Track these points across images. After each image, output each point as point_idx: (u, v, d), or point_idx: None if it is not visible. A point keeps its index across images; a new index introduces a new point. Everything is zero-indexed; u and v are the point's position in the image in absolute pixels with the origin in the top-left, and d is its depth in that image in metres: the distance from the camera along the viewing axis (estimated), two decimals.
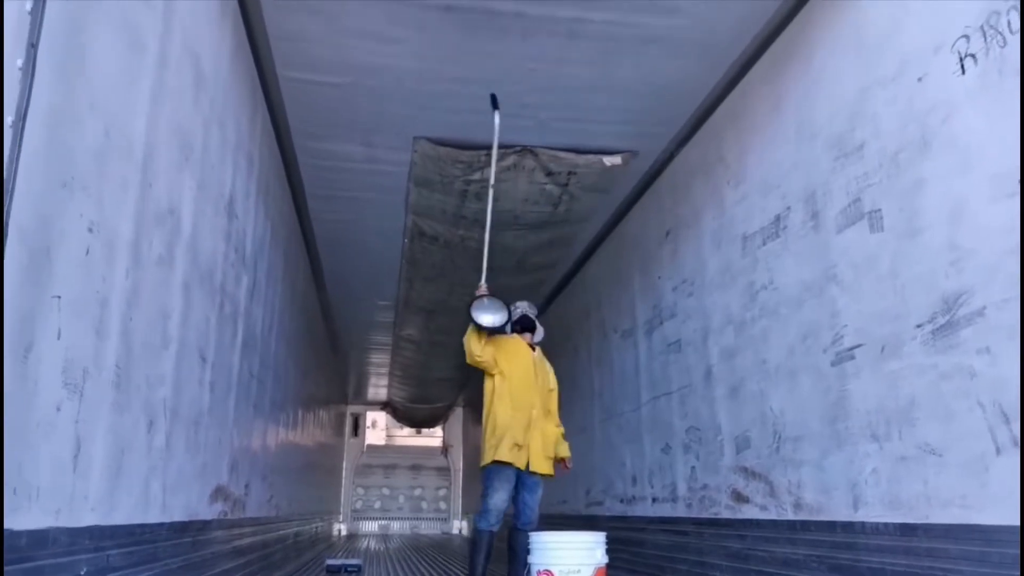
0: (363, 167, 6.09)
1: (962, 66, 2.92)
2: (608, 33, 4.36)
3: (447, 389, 16.47)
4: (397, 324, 11.30)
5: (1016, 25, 2.67)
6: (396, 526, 18.77)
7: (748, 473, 4.49)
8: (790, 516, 4.00)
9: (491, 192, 4.82)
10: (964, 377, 2.84)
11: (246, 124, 4.49)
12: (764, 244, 4.43)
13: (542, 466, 4.27)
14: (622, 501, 6.77)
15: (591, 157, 5.87)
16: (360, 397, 19.21)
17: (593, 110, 5.28)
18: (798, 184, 4.08)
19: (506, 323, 4.39)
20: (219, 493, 4.20)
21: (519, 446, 4.19)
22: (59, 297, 1.99)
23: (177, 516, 3.32)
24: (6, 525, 1.75)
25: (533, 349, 4.55)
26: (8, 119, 1.59)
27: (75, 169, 2.06)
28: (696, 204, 5.44)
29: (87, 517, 2.27)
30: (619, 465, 6.90)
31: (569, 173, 6.09)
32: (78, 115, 2.07)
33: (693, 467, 5.29)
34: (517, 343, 4.51)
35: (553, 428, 4.43)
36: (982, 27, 2.82)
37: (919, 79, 3.16)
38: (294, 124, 5.49)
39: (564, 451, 4.52)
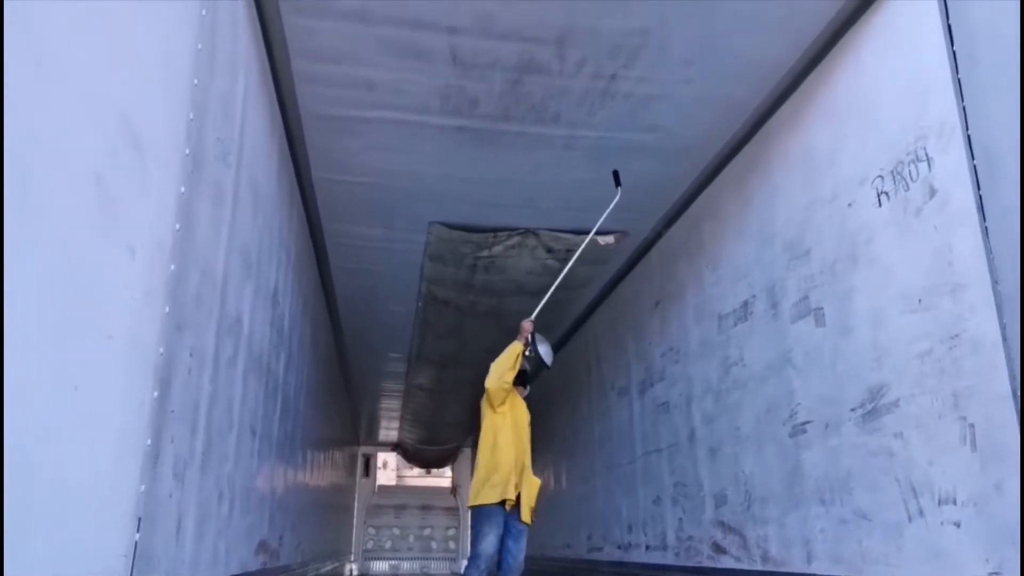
0: (383, 246, 6.81)
1: (879, 200, 3.59)
2: (598, 145, 5.09)
3: (457, 431, 17.03)
4: (409, 374, 11.96)
5: (916, 175, 3.35)
6: (406, 566, 19.12)
7: (725, 527, 5.08)
8: (759, 567, 4.59)
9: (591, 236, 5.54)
10: (885, 456, 3.46)
11: (286, 222, 5.19)
12: (736, 325, 5.07)
13: (527, 515, 4.56)
14: (619, 547, 7.33)
15: (586, 237, 6.55)
16: (371, 438, 19.77)
17: (588, 200, 5.96)
18: (761, 276, 4.74)
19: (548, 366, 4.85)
20: (262, 547, 4.81)
21: (517, 487, 4.50)
22: (173, 411, 2.65)
23: (233, 569, 3.94)
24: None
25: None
26: (166, 308, 2.28)
27: (184, 314, 2.73)
28: (680, 281, 6.11)
29: (184, 575, 2.91)
30: (617, 514, 7.47)
31: (567, 250, 6.77)
32: (187, 274, 2.75)
33: (680, 519, 5.87)
34: (515, 393, 4.81)
35: (535, 479, 4.69)
36: (892, 172, 3.50)
37: (849, 204, 3.84)
38: (323, 212, 6.22)
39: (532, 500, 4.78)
